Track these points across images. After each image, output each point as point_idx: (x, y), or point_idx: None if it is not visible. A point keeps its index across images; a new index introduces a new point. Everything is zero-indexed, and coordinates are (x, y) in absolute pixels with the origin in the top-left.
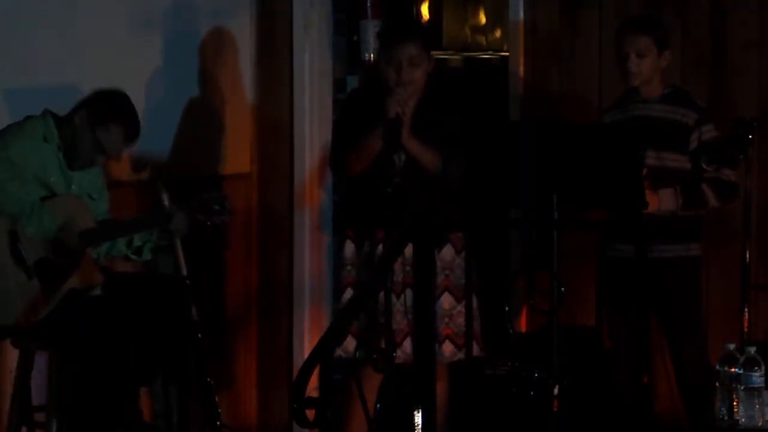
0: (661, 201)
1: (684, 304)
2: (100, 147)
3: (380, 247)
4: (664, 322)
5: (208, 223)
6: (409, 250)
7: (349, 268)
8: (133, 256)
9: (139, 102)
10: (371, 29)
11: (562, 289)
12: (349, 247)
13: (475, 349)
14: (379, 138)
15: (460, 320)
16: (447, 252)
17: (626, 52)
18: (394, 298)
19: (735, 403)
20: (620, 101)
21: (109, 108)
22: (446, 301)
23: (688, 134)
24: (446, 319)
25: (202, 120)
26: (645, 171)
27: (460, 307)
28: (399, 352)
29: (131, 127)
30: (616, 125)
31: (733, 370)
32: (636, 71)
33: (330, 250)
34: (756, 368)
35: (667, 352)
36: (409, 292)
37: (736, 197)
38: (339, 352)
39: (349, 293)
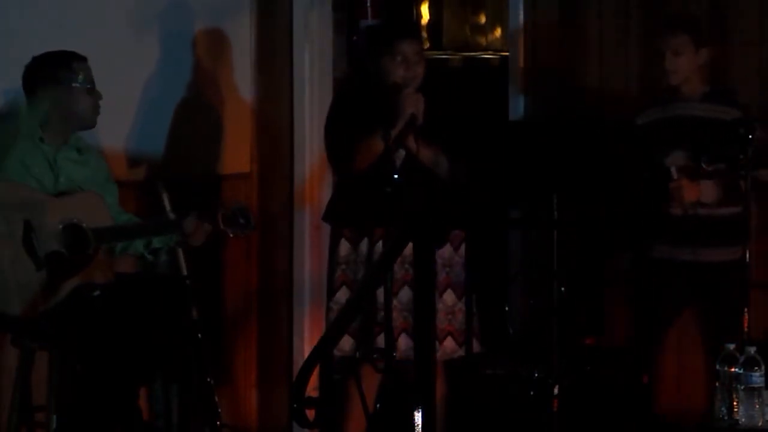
0: (702, 193)
1: (733, 303)
2: (88, 88)
3: (379, 245)
4: (707, 320)
5: (231, 235)
6: (408, 248)
7: (343, 267)
8: (149, 257)
9: (137, 102)
10: None
11: (562, 289)
12: (344, 247)
13: (475, 346)
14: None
15: (461, 317)
16: (445, 249)
17: (663, 50)
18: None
19: (735, 403)
20: (659, 100)
21: (57, 61)
22: (448, 297)
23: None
24: (449, 316)
25: (201, 120)
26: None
27: (461, 304)
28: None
29: (79, 54)
30: (650, 125)
31: (733, 370)
32: (672, 69)
33: None
34: (756, 368)
35: (679, 349)
36: (406, 290)
37: None
38: (338, 352)
39: (342, 292)
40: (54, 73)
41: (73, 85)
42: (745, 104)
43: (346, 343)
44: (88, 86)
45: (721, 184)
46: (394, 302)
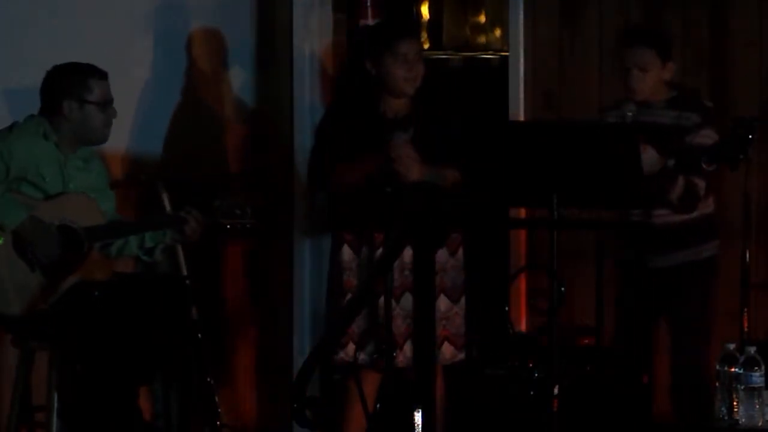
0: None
1: (694, 305)
2: (102, 105)
3: (380, 251)
4: (672, 323)
5: (228, 226)
6: (407, 254)
7: (347, 273)
8: (145, 257)
9: (137, 102)
10: None
11: (562, 289)
12: (347, 252)
13: (473, 352)
14: (376, 161)
15: (458, 321)
16: (441, 254)
17: (628, 66)
18: (393, 301)
19: (735, 403)
20: (621, 103)
21: (74, 75)
22: (442, 303)
23: None
24: (443, 322)
25: (201, 120)
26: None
27: (457, 309)
28: (400, 356)
29: (99, 70)
30: (615, 124)
31: (733, 370)
32: (638, 87)
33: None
34: (756, 368)
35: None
36: (408, 296)
37: (692, 209)
38: (341, 355)
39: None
40: (69, 87)
41: (87, 102)
42: (709, 107)
43: (352, 348)
44: (103, 103)
45: (665, 162)
46: (397, 309)
